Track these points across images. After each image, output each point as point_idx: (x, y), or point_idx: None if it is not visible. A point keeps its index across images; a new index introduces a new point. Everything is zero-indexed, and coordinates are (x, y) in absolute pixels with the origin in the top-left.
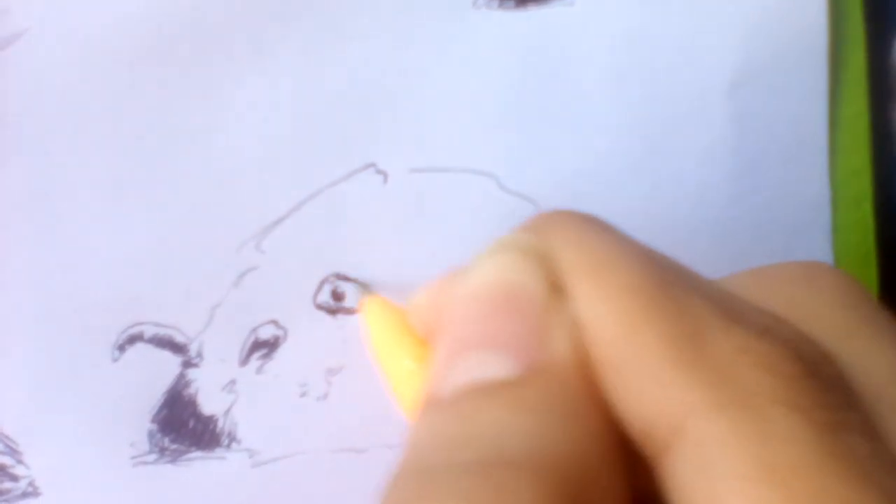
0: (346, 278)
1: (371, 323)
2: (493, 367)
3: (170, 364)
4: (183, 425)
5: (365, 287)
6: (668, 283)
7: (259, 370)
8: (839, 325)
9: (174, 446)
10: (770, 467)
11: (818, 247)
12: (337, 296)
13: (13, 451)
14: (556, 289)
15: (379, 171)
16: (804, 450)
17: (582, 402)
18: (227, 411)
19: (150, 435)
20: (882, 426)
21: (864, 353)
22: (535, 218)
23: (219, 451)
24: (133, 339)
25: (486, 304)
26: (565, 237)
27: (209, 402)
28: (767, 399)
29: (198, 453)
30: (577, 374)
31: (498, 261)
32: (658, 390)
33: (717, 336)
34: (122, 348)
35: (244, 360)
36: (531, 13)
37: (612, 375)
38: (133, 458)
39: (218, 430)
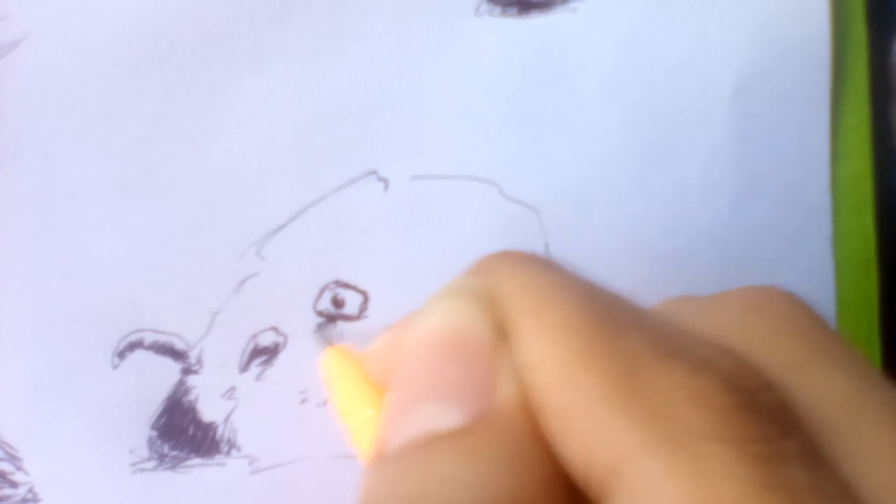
0: (346, 285)
1: (331, 372)
2: (439, 417)
3: (170, 371)
4: (183, 432)
5: (325, 339)
6: (607, 323)
7: (259, 377)
8: (788, 352)
9: (174, 453)
10: None
11: (819, 253)
12: (337, 303)
13: (13, 458)
14: (502, 333)
15: (380, 179)
16: (739, 484)
17: (527, 448)
18: (227, 418)
19: (150, 441)
20: (830, 453)
21: (812, 380)
22: (482, 260)
23: (218, 458)
24: (133, 346)
25: (432, 352)
26: (510, 279)
27: (209, 409)
28: (701, 435)
29: (197, 460)
30: (521, 420)
31: (445, 307)
32: (595, 432)
33: (653, 374)
34: (122, 355)
35: (244, 367)
36: (534, 20)
37: (553, 418)
38: (133, 464)
39: (218, 436)
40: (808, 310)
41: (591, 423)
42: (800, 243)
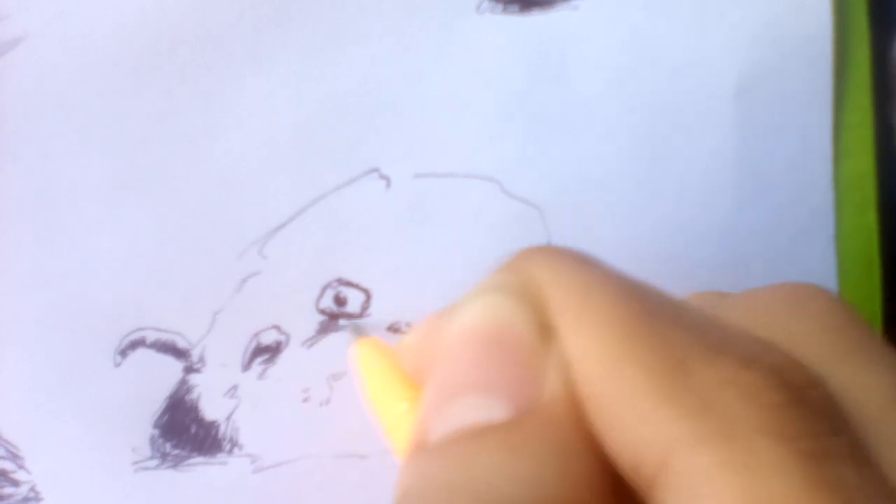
0: (348, 283)
1: (363, 365)
2: (484, 410)
3: (172, 369)
4: (185, 430)
5: (357, 329)
6: (651, 316)
7: (261, 375)
8: (830, 348)
9: (176, 451)
10: (755, 499)
11: (822, 252)
12: (339, 301)
13: (14, 456)
14: (544, 328)
15: (382, 177)
16: (789, 480)
17: (575, 442)
18: (229, 416)
19: (152, 440)
20: (874, 451)
21: (855, 377)
22: (517, 255)
23: (220, 457)
24: (135, 345)
25: (474, 346)
26: (549, 274)
27: (211, 408)
28: (752, 429)
29: (199, 459)
30: (568, 414)
31: (485, 302)
32: (643, 425)
33: (701, 367)
34: (124, 353)
35: (246, 366)
36: (535, 18)
37: (600, 412)
38: (135, 463)
39: (220, 435)
40: (846, 307)
41: (640, 416)
42: (802, 242)
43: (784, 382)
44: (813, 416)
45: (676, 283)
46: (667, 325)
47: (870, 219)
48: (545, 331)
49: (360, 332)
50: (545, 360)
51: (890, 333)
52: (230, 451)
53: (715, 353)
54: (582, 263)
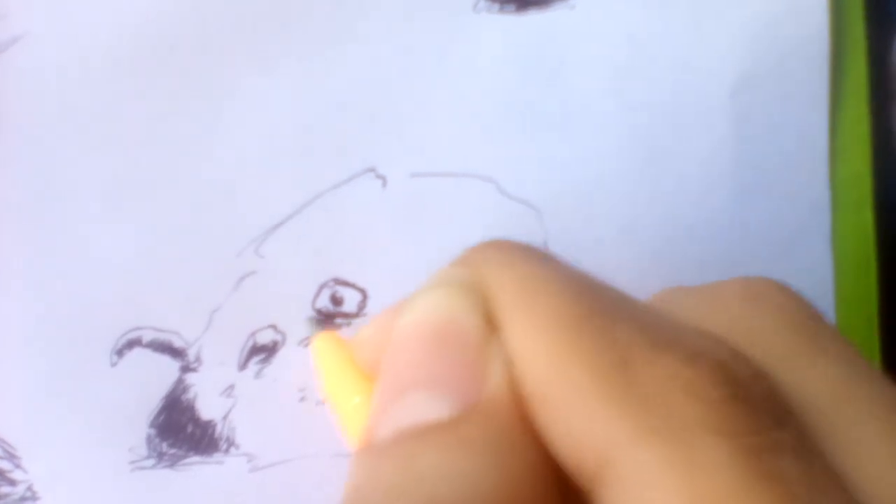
0: (345, 283)
1: (320, 358)
2: (428, 407)
3: (168, 368)
4: (181, 430)
5: (316, 323)
6: (596, 313)
7: (258, 375)
8: (783, 342)
9: (172, 451)
10: (696, 495)
11: (818, 251)
12: (336, 300)
13: (11, 456)
14: (491, 323)
15: (378, 176)
16: (731, 476)
17: (517, 440)
18: (226, 416)
19: (149, 439)
20: (823, 445)
21: (805, 371)
22: (470, 249)
23: (217, 456)
24: (132, 344)
25: (421, 342)
26: (497, 269)
27: (208, 407)
28: (694, 426)
29: (196, 458)
30: (511, 411)
31: (433, 297)
32: (586, 423)
33: (644, 364)
34: (120, 353)
35: (243, 365)
36: (532, 17)
37: (543, 409)
38: (131, 462)
39: (216, 434)
40: (801, 301)
41: (582, 414)
42: (799, 241)
43: (727, 377)
44: (755, 411)
45: (672, 281)
46: (612, 322)
47: (866, 218)
48: (490, 326)
49: (317, 325)
50: (490, 356)
51: (885, 332)
52: (227, 451)
53: (658, 350)
54: (531, 258)
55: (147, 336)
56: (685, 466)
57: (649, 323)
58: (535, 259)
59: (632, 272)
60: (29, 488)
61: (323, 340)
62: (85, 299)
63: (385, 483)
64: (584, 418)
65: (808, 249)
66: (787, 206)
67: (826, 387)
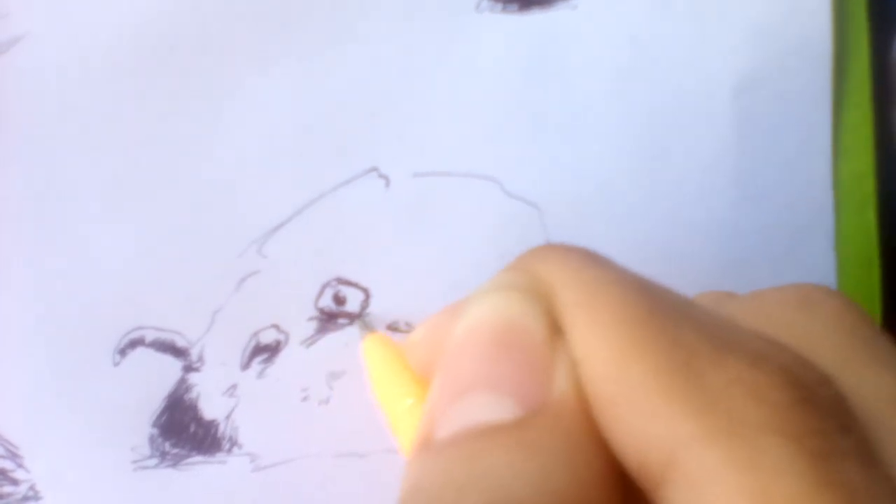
0: (347, 282)
1: (370, 360)
2: (493, 408)
3: (171, 368)
4: (184, 429)
5: (365, 324)
6: (659, 315)
7: (260, 374)
8: (838, 349)
9: (175, 450)
10: (761, 497)
11: (821, 251)
12: (338, 300)
13: (14, 455)
14: (553, 327)
15: (381, 176)
16: (796, 479)
17: (583, 441)
18: (229, 416)
19: (152, 439)
20: (881, 452)
21: (863, 377)
22: (526, 253)
23: (220, 456)
24: (134, 344)
25: (483, 344)
26: (558, 273)
27: (210, 407)
28: (759, 428)
29: (199, 458)
30: (577, 413)
31: (494, 299)
32: (650, 423)
33: (709, 366)
34: (123, 352)
35: (245, 365)
36: (534, 17)
37: (607, 411)
38: (134, 462)
39: (219, 434)
40: (855, 308)
41: (648, 415)
42: (802, 242)
43: (792, 381)
44: (821, 415)
45: (676, 283)
46: (675, 323)
47: (869, 218)
48: (554, 329)
49: (368, 327)
50: (554, 358)
51: (889, 332)
52: (229, 450)
53: (723, 352)
54: (591, 261)
55: (149, 336)
56: (750, 468)
57: (712, 326)
58: (595, 261)
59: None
60: (31, 488)
61: (373, 342)
62: (87, 299)
63: (446, 480)
64: (648, 418)
65: (810, 250)
66: (789, 207)
67: (882, 394)
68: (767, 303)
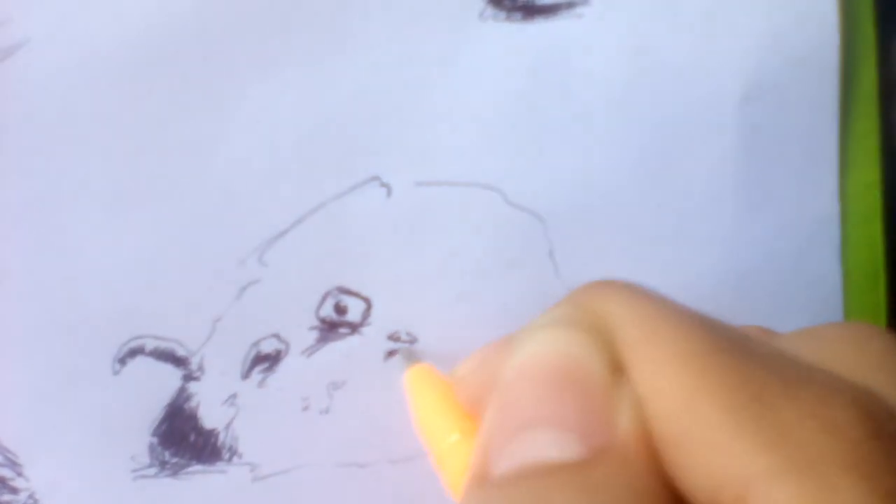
0: (348, 292)
1: (415, 393)
2: (555, 446)
3: (171, 377)
4: (184, 439)
5: (411, 354)
6: (723, 350)
7: (261, 384)
8: (891, 387)
9: (175, 460)
10: None
11: (827, 263)
12: (340, 309)
13: (13, 464)
14: (615, 364)
15: (383, 184)
16: None
17: (649, 483)
18: (229, 425)
19: (151, 448)
20: None
21: None
22: (580, 289)
23: (220, 465)
24: (134, 353)
25: (543, 380)
26: (617, 309)
27: (210, 416)
28: (833, 464)
29: (198, 467)
30: (642, 453)
31: (553, 335)
32: (722, 459)
33: (780, 400)
34: (122, 361)
35: (246, 374)
36: (539, 26)
37: (674, 450)
38: (134, 471)
39: (219, 443)
40: None
41: (719, 450)
42: (808, 252)
43: (866, 416)
44: (893, 452)
45: (679, 293)
46: (741, 358)
47: (875, 229)
48: (616, 367)
49: (412, 357)
50: (617, 397)
51: None
52: (229, 460)
53: (795, 387)
54: (648, 298)
55: (149, 345)
56: None
57: (779, 361)
58: (653, 298)
59: (639, 283)
60: (31, 496)
61: (418, 374)
62: (87, 308)
63: None
64: (720, 454)
65: (817, 261)
66: (795, 217)
67: None
68: (820, 339)
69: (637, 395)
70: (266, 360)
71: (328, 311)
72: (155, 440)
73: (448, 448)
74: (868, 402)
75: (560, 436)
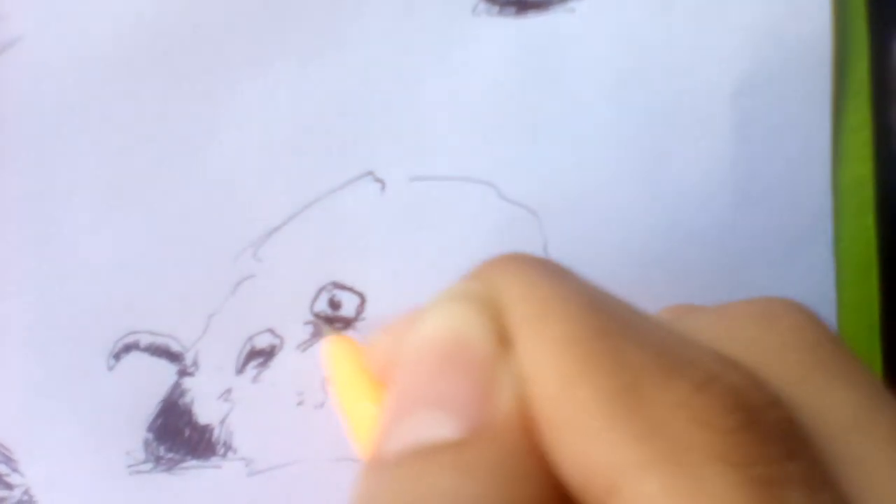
0: (343, 287)
1: (332, 362)
2: (437, 427)
3: (165, 373)
4: (179, 434)
5: (328, 325)
6: (610, 332)
7: (255, 379)
8: (796, 366)
9: (170, 455)
10: None
11: (820, 257)
12: (334, 304)
13: (8, 460)
14: (504, 341)
15: (377, 179)
16: None
17: (525, 464)
18: (223, 420)
19: (146, 444)
20: (836, 472)
21: (822, 394)
22: (485, 263)
23: (215, 460)
24: (129, 348)
25: (432, 358)
26: (513, 285)
27: (205, 411)
28: (703, 455)
29: (193, 462)
30: (520, 434)
31: (446, 312)
32: (594, 448)
33: (654, 389)
34: (117, 357)
35: (240, 369)
36: (532, 20)
37: (552, 432)
38: (129, 466)
39: (214, 438)
40: (818, 323)
41: (591, 439)
42: (800, 246)
43: (739, 405)
44: (766, 441)
45: (672, 287)
46: (625, 342)
47: (869, 223)
48: (502, 344)
49: (330, 327)
50: (500, 375)
51: (887, 338)
52: (224, 455)
53: (670, 374)
54: (547, 274)
55: (144, 340)
56: (692, 497)
57: (663, 344)
58: (552, 275)
59: (632, 277)
60: (26, 492)
61: (335, 343)
62: (82, 303)
63: (390, 500)
64: (591, 442)
65: (809, 255)
66: (788, 212)
67: (841, 413)
68: (730, 316)
69: (521, 374)
70: (261, 355)
71: (323, 305)
72: (150, 435)
73: (360, 416)
74: (745, 389)
75: (440, 416)
